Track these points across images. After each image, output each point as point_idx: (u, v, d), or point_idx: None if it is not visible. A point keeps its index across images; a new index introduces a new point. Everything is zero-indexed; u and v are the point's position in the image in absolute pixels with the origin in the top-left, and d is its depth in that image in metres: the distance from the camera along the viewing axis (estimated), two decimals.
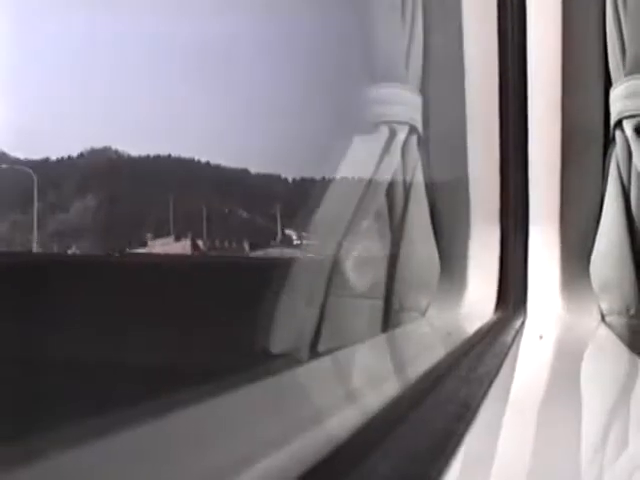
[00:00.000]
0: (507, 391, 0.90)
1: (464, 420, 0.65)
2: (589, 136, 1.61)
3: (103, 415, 0.44)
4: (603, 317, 1.57)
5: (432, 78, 1.61)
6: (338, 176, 1.52)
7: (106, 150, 4.07)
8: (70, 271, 1.56)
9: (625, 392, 1.00)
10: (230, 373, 0.62)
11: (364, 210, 1.49)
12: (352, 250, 1.49)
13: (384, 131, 1.53)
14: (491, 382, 0.85)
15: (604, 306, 1.56)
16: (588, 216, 1.59)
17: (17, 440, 0.38)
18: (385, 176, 1.52)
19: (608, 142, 1.59)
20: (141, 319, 1.44)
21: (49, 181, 4.07)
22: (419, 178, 1.57)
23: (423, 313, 1.56)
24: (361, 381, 0.87)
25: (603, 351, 1.40)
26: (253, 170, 4.02)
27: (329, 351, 1.37)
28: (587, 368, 1.15)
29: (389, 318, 1.54)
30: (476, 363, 0.96)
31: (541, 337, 1.39)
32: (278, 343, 1.36)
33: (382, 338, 1.48)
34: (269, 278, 1.39)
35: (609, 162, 1.58)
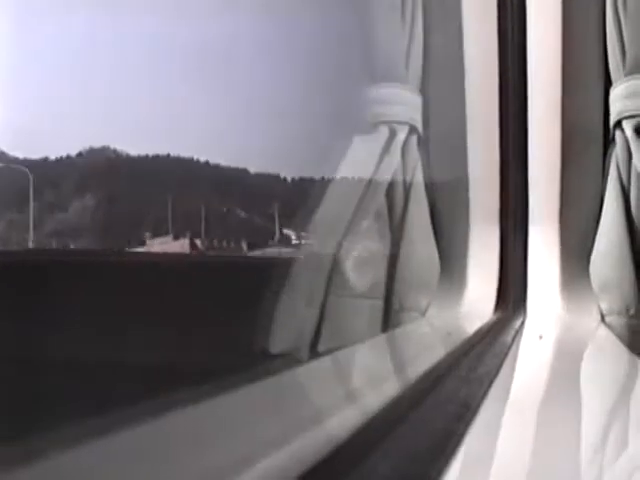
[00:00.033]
0: (507, 391, 0.90)
1: (464, 420, 0.65)
2: (589, 136, 1.61)
3: (102, 415, 0.44)
4: (603, 317, 1.57)
5: (432, 78, 1.61)
6: (338, 176, 1.52)
7: (105, 149, 4.07)
8: (67, 269, 1.56)
9: (625, 392, 1.00)
10: (230, 373, 0.62)
11: (364, 210, 1.49)
12: (352, 250, 1.49)
13: (384, 131, 1.53)
14: (491, 382, 0.85)
15: (604, 306, 1.56)
16: (588, 216, 1.59)
17: (16, 440, 0.38)
18: (385, 176, 1.52)
19: (608, 142, 1.59)
20: (140, 318, 1.44)
21: (47, 180, 4.07)
22: (419, 178, 1.57)
23: (423, 313, 1.56)
24: (361, 381, 0.87)
25: (603, 351, 1.40)
26: (252, 170, 4.02)
27: (329, 351, 1.37)
28: (587, 368, 1.15)
29: (389, 318, 1.54)
30: (476, 363, 0.96)
31: (541, 337, 1.39)
32: (278, 343, 1.37)
33: (382, 338, 1.48)
34: (269, 278, 1.39)
35: (609, 162, 1.58)
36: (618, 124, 1.56)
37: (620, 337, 1.45)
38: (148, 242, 4.10)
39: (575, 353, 1.29)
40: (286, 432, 0.52)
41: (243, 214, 4.30)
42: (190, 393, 0.53)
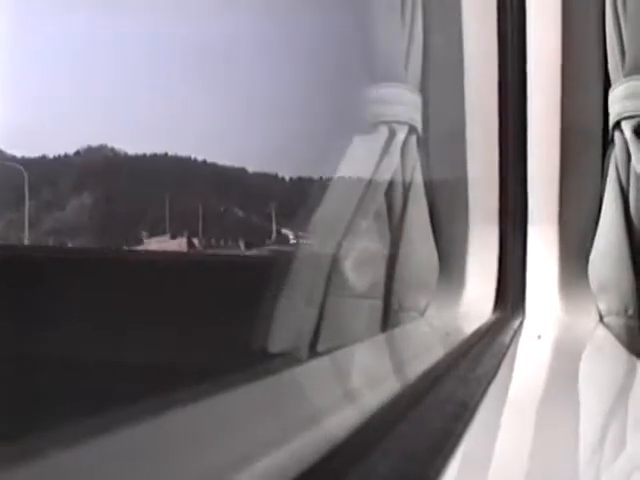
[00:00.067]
0: (505, 391, 0.90)
1: (462, 420, 0.65)
2: (588, 137, 1.61)
3: (101, 414, 0.44)
4: (601, 317, 1.57)
5: (432, 78, 1.61)
6: (337, 176, 1.52)
7: (102, 148, 4.07)
8: (64, 267, 1.56)
9: (623, 393, 1.00)
10: (229, 372, 0.62)
11: (363, 210, 1.49)
12: (351, 250, 1.49)
13: (383, 131, 1.53)
14: (489, 382, 0.85)
15: (602, 306, 1.57)
16: (587, 217, 1.59)
17: (15, 439, 0.38)
18: (384, 176, 1.52)
19: (607, 143, 1.59)
20: (139, 318, 1.44)
21: (45, 178, 4.07)
22: (418, 178, 1.57)
23: (422, 313, 1.56)
24: (360, 381, 0.87)
25: (601, 352, 1.40)
26: (250, 169, 4.02)
27: (328, 351, 1.37)
28: (585, 368, 1.15)
29: (388, 318, 1.54)
30: (474, 363, 0.96)
31: (539, 337, 1.39)
32: (277, 342, 1.37)
33: (381, 338, 1.48)
34: (269, 277, 1.39)
35: (608, 163, 1.58)
36: (617, 125, 1.56)
37: (618, 337, 1.45)
38: (145, 241, 4.10)
39: (573, 353, 1.29)
40: (285, 431, 0.53)
41: (241, 213, 4.30)
42: (189, 392, 0.53)
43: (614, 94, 1.56)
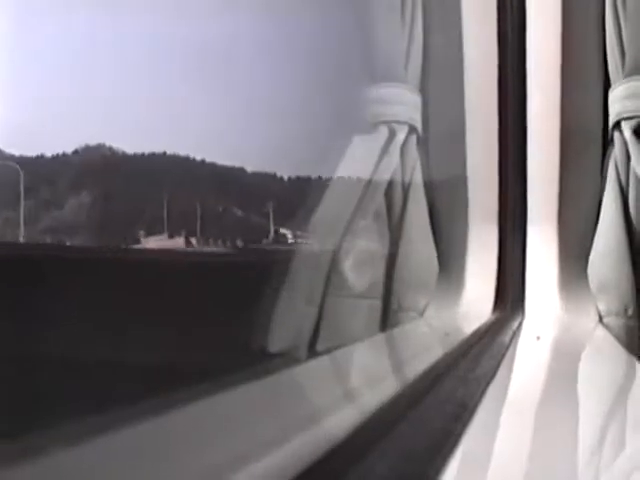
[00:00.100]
0: (504, 391, 0.90)
1: (462, 420, 0.65)
2: (588, 137, 1.61)
3: (101, 413, 0.44)
4: (601, 318, 1.57)
5: (431, 78, 1.61)
6: (337, 176, 1.52)
7: (100, 147, 4.07)
8: (63, 265, 1.56)
9: (622, 393, 1.00)
10: (228, 372, 0.62)
11: (363, 210, 1.49)
12: (351, 250, 1.49)
13: (383, 131, 1.53)
14: (488, 382, 0.85)
15: (602, 307, 1.57)
16: (586, 217, 1.59)
17: (15, 438, 0.38)
18: (384, 176, 1.52)
19: (607, 143, 1.59)
20: (137, 317, 1.44)
21: (43, 177, 4.07)
22: (418, 178, 1.58)
23: (421, 313, 1.56)
24: (359, 381, 0.87)
25: (600, 352, 1.40)
26: (249, 169, 4.02)
27: (327, 350, 1.37)
28: (584, 369, 1.15)
29: (387, 318, 1.54)
30: (474, 363, 0.96)
31: (538, 338, 1.39)
32: (276, 342, 1.37)
33: (380, 338, 1.48)
34: (268, 277, 1.39)
35: (607, 163, 1.58)
36: (617, 125, 1.56)
37: (618, 338, 1.45)
38: (143, 240, 4.09)
39: (573, 354, 1.29)
40: (284, 431, 0.53)
41: (239, 213, 4.30)
42: (188, 392, 0.53)
43: (614, 94, 1.56)
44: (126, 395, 0.53)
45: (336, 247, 1.46)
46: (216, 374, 0.59)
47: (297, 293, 1.42)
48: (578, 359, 1.25)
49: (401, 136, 1.54)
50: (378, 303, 1.54)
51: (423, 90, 1.60)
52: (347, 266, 1.48)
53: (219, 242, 4.26)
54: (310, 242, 1.57)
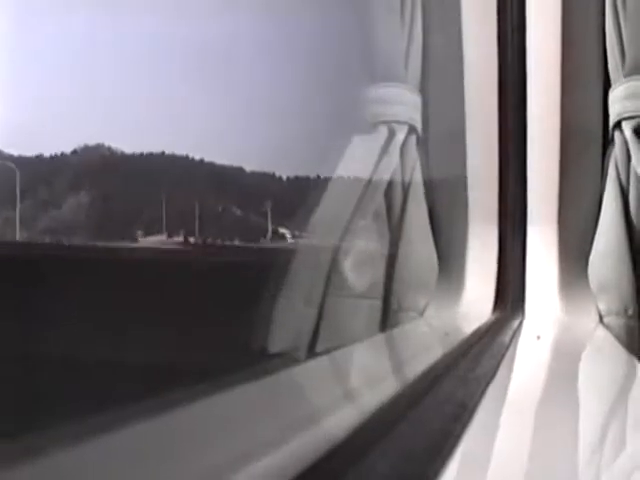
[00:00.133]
0: (504, 392, 0.90)
1: (461, 420, 0.65)
2: (588, 137, 1.61)
3: (101, 413, 0.44)
4: (601, 318, 1.57)
5: (431, 78, 1.61)
6: (336, 175, 1.52)
7: (99, 147, 4.07)
8: (62, 264, 1.56)
9: (623, 393, 1.00)
10: (228, 372, 0.62)
11: (362, 210, 1.49)
12: (350, 250, 1.49)
13: (383, 131, 1.53)
14: (488, 382, 0.85)
15: (602, 307, 1.57)
16: (587, 217, 1.59)
17: (15, 438, 0.38)
18: (384, 176, 1.52)
19: (607, 143, 1.59)
20: (137, 317, 1.44)
21: (41, 177, 4.07)
22: (418, 178, 1.58)
23: (421, 313, 1.56)
24: (359, 381, 0.87)
25: (601, 352, 1.40)
26: (248, 168, 4.02)
27: (327, 351, 1.37)
28: (585, 369, 1.15)
29: (387, 318, 1.54)
30: (474, 363, 0.96)
31: (538, 338, 1.39)
32: (276, 342, 1.37)
33: (380, 338, 1.48)
34: (268, 277, 1.39)
35: (608, 163, 1.58)
36: (617, 125, 1.56)
37: (618, 338, 1.45)
38: (141, 240, 4.10)
39: (573, 354, 1.29)
40: (284, 431, 0.53)
41: (238, 212, 4.30)
42: (188, 392, 0.53)
43: (614, 94, 1.56)
44: (126, 395, 0.53)
45: (336, 247, 1.46)
46: (216, 374, 0.59)
47: (297, 293, 1.42)
48: (578, 359, 1.25)
49: (401, 136, 1.54)
50: (378, 303, 1.54)
51: (423, 90, 1.60)
52: (347, 266, 1.48)
53: (218, 242, 4.27)
54: (310, 242, 1.57)
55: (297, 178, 3.80)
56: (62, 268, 1.56)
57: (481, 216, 1.64)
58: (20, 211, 3.90)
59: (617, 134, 1.56)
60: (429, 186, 1.60)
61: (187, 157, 4.05)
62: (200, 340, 1.46)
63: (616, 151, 1.57)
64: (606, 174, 1.58)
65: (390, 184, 1.54)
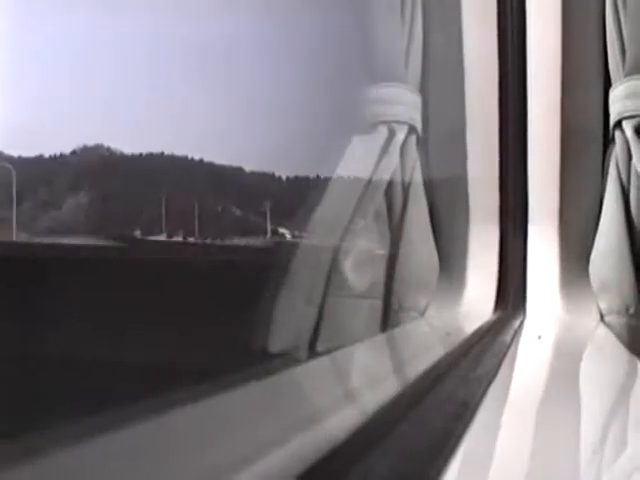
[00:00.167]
0: (506, 391, 0.90)
1: (463, 420, 0.65)
2: (589, 136, 1.61)
3: (101, 413, 0.44)
4: (602, 317, 1.57)
5: (432, 78, 1.61)
6: (336, 175, 1.52)
7: (98, 147, 4.07)
8: (61, 264, 1.56)
9: (624, 393, 1.00)
10: (229, 372, 0.62)
11: (363, 210, 1.49)
12: (351, 250, 1.49)
13: (383, 131, 1.53)
14: (490, 382, 0.85)
15: (603, 306, 1.56)
16: (587, 216, 1.59)
17: (15, 438, 0.38)
18: (384, 176, 1.52)
19: (607, 142, 1.59)
20: (137, 317, 1.44)
21: (40, 178, 4.07)
22: (418, 178, 1.57)
23: (422, 313, 1.56)
24: (360, 381, 0.87)
25: (602, 351, 1.40)
26: (247, 168, 4.02)
27: (328, 351, 1.37)
28: (586, 368, 1.15)
29: (388, 318, 1.54)
30: (475, 363, 0.96)
31: (540, 337, 1.39)
32: (277, 342, 1.37)
33: (381, 338, 1.48)
34: (268, 277, 1.39)
35: (608, 162, 1.58)
36: (618, 124, 1.56)
37: (619, 337, 1.45)
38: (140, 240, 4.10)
39: (574, 353, 1.29)
40: (285, 431, 0.52)
41: (238, 212, 4.30)
42: (189, 392, 0.53)
43: (615, 93, 1.55)
44: (126, 395, 0.53)
45: (336, 247, 1.46)
46: (216, 374, 0.59)
47: (297, 293, 1.42)
48: (580, 358, 1.25)
49: (401, 136, 1.54)
50: (379, 303, 1.54)
51: (423, 90, 1.60)
52: (347, 266, 1.48)
53: (217, 242, 4.27)
54: (310, 241, 1.57)
55: (297, 178, 3.80)
56: (62, 268, 1.56)
57: (482, 215, 1.64)
58: (20, 212, 3.90)
59: (618, 133, 1.56)
60: (429, 186, 1.59)
61: (186, 157, 4.05)
62: (200, 340, 1.46)
63: (617, 150, 1.56)
64: (607, 173, 1.58)
65: (390, 184, 1.54)
